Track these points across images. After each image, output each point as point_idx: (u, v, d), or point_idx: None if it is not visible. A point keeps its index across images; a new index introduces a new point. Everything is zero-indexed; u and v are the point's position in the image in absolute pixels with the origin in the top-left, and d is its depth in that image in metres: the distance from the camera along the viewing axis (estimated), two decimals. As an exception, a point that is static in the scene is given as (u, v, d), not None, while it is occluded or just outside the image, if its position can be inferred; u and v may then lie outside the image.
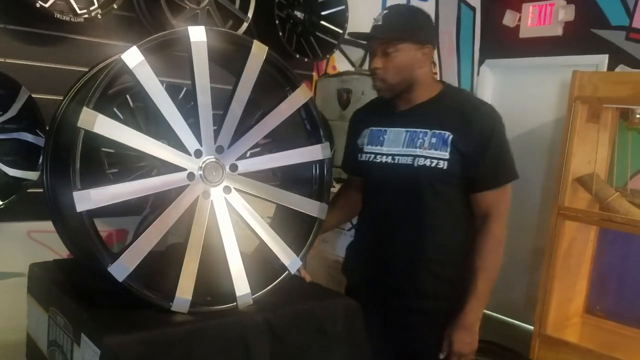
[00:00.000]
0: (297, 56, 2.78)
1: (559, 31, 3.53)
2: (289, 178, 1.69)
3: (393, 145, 1.80)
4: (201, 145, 1.36)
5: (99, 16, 2.15)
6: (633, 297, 3.07)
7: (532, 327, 2.97)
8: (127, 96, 2.26)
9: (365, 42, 1.96)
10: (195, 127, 1.35)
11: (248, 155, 1.46)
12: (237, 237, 1.40)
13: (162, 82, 1.30)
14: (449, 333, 1.76)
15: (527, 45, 3.69)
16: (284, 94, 1.51)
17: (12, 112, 2.09)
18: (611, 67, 3.31)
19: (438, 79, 2.13)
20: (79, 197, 1.20)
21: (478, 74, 4.01)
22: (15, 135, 2.12)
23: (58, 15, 2.04)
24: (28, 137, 2.13)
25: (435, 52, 3.74)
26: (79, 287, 1.42)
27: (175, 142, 1.34)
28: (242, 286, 1.39)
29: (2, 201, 2.06)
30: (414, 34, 1.74)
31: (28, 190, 2.11)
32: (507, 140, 1.80)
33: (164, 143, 1.32)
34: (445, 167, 1.73)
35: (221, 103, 1.41)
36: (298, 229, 1.57)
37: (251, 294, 1.41)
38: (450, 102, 1.80)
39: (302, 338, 1.44)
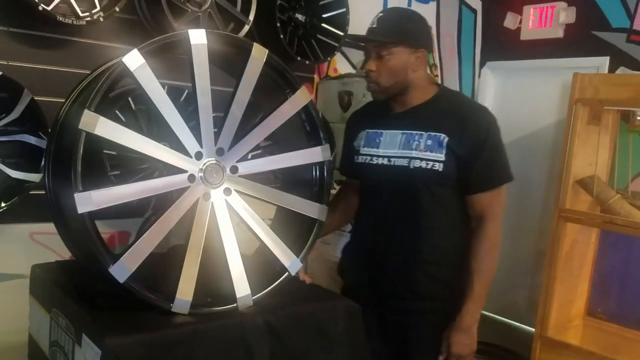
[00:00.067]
0: (299, 59, 2.79)
1: (560, 33, 3.54)
2: (289, 180, 1.69)
3: (389, 147, 1.81)
4: (202, 148, 1.36)
5: (101, 19, 2.16)
6: (634, 299, 3.06)
7: (533, 330, 2.96)
8: (129, 99, 2.27)
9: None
10: (195, 130, 1.36)
11: (249, 157, 1.46)
12: (237, 239, 1.41)
13: (163, 85, 1.31)
14: (447, 335, 1.77)
15: (528, 47, 3.70)
16: (284, 96, 1.51)
17: (14, 114, 2.09)
18: (612, 69, 3.31)
19: (439, 81, 2.13)
20: (80, 198, 1.20)
21: (479, 76, 4.01)
22: (17, 137, 2.12)
23: (60, 18, 2.04)
24: (30, 139, 2.13)
25: (437, 54, 3.74)
26: (81, 288, 1.43)
27: (176, 145, 1.34)
28: (242, 287, 1.40)
29: (4, 203, 2.07)
30: (407, 38, 1.75)
31: (30, 192, 2.11)
32: (502, 143, 1.81)
33: (165, 145, 1.33)
34: (440, 169, 1.73)
35: (222, 105, 1.42)
36: (298, 231, 1.57)
37: (251, 296, 1.41)
38: (446, 105, 1.81)
39: (303, 339, 1.44)
